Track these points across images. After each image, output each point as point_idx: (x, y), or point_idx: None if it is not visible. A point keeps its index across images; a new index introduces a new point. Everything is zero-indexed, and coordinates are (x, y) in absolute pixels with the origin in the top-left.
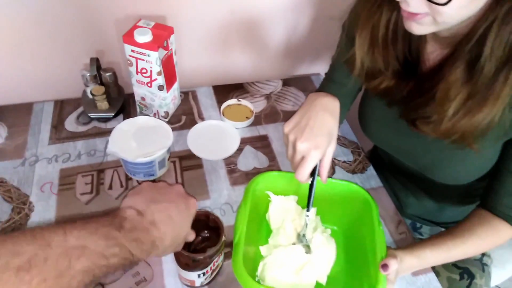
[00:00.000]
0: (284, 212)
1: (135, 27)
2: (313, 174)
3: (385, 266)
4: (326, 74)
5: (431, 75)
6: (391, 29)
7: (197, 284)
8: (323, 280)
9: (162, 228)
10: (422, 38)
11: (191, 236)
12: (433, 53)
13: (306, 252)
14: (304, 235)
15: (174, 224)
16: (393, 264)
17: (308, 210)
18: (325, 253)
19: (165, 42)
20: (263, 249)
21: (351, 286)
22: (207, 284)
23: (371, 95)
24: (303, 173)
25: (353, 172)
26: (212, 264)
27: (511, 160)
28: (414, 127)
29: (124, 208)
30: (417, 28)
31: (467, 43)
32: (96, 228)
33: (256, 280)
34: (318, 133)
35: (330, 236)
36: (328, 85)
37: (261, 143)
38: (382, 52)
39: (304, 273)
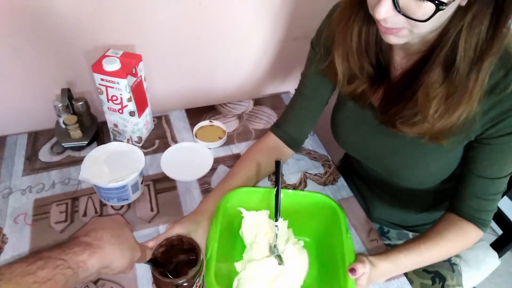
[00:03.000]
0: (256, 227)
1: (104, 56)
2: (277, 184)
3: (352, 270)
4: (296, 89)
5: (404, 80)
6: (363, 38)
7: None
8: None
9: (94, 234)
10: (391, 47)
11: (148, 253)
12: (402, 60)
13: (279, 264)
14: (275, 246)
15: (108, 228)
16: (360, 268)
17: (276, 221)
18: (297, 264)
19: (134, 69)
20: (237, 265)
21: None
22: None
23: (345, 102)
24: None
25: (324, 184)
26: (194, 286)
27: (474, 162)
28: (393, 129)
29: None
30: (395, 39)
31: (442, 48)
32: (11, 262)
33: None
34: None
35: (302, 247)
36: (298, 99)
37: (234, 162)
38: (357, 59)
39: (278, 285)
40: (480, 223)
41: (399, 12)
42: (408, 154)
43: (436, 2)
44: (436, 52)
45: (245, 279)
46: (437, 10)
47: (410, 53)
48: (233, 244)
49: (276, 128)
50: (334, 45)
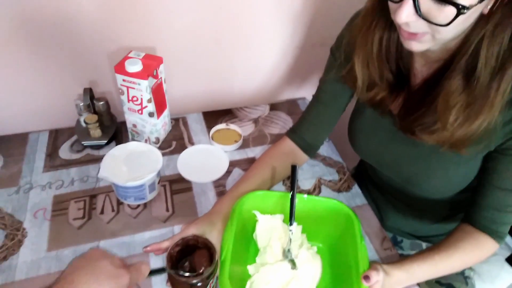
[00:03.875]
0: (270, 230)
1: (126, 58)
2: (292, 188)
3: (366, 278)
4: (313, 95)
5: (425, 88)
6: (384, 45)
7: None
8: None
9: (64, 281)
10: (411, 54)
11: (145, 268)
12: (422, 67)
13: (292, 268)
14: (289, 250)
15: (79, 268)
16: (374, 275)
17: (290, 225)
18: (310, 269)
19: (155, 71)
20: (250, 268)
21: None
22: None
23: (363, 109)
24: None
25: (339, 190)
26: (209, 286)
27: (492, 173)
28: (413, 136)
29: None
30: (417, 46)
31: (463, 56)
32: None
33: None
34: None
35: (316, 253)
36: (315, 105)
37: (249, 165)
38: (377, 66)
39: None
40: (497, 235)
41: (420, 16)
42: (426, 162)
43: (459, 6)
44: (457, 59)
45: (258, 282)
46: (458, 14)
47: (430, 61)
48: (247, 247)
49: (292, 133)
50: (355, 51)
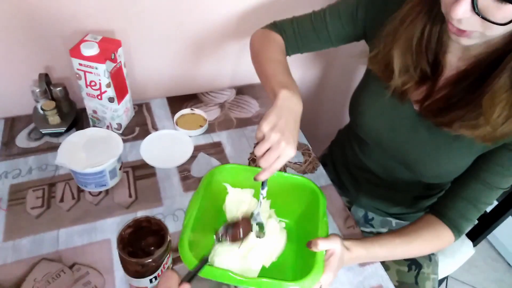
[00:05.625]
0: (240, 203)
1: (82, 41)
2: None
3: (310, 243)
4: (314, 11)
5: (462, 82)
6: (425, 35)
7: None
8: (267, 264)
9: None
10: (447, 47)
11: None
12: (458, 61)
13: (258, 233)
14: (258, 214)
15: None
16: (321, 243)
17: (262, 189)
18: (274, 240)
19: (113, 54)
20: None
21: (294, 275)
22: None
23: (376, 87)
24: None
25: (304, 172)
26: (162, 266)
27: (482, 165)
28: (449, 129)
29: None
30: (466, 41)
31: None
32: None
33: (208, 264)
34: (295, 138)
35: (283, 228)
36: (305, 24)
37: (215, 150)
38: (415, 55)
39: (251, 256)
40: (457, 230)
41: (477, 13)
42: (436, 150)
43: None
44: (508, 59)
45: (221, 250)
46: None
47: (468, 55)
48: (217, 218)
49: (274, 27)
50: (395, 41)
